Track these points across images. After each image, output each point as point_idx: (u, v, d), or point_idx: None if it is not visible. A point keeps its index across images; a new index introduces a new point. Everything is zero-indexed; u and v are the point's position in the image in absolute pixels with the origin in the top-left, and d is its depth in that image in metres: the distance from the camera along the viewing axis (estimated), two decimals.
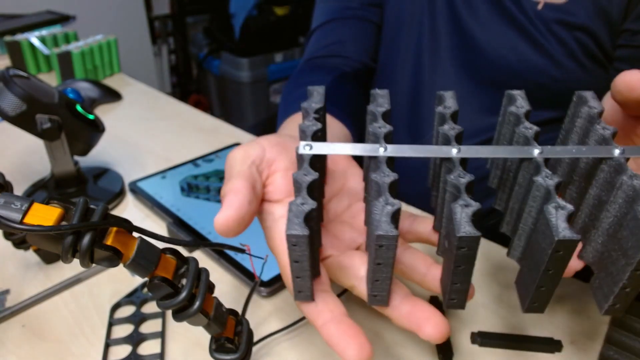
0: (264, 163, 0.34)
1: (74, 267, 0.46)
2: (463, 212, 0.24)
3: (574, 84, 0.56)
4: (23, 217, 0.24)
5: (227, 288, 0.45)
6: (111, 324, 0.41)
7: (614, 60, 0.55)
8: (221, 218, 0.29)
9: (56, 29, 1.09)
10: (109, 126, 0.68)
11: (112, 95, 0.88)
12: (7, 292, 0.44)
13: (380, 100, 0.32)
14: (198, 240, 0.49)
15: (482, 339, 0.38)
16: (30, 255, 0.48)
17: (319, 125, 0.30)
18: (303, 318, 0.40)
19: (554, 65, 0.56)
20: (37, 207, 0.25)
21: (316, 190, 0.28)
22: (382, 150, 0.28)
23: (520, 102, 0.31)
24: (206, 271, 0.30)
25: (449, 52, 0.64)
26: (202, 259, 0.49)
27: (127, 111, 0.86)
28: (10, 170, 0.65)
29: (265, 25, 2.22)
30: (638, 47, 0.53)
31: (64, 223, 0.25)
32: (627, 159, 0.27)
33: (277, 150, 0.35)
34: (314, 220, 0.27)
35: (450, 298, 0.28)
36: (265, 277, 0.44)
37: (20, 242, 0.43)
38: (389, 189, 0.26)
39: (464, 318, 0.41)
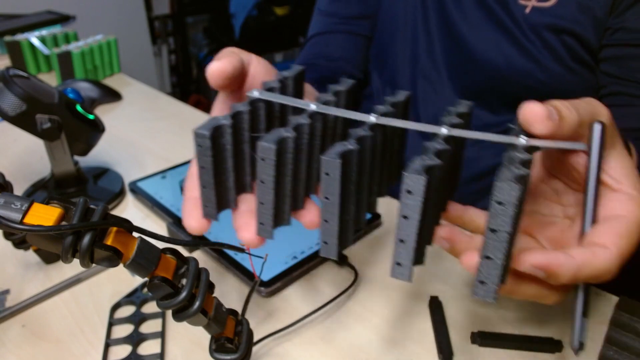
0: (251, 66, 0.36)
1: (74, 267, 0.46)
2: (340, 145, 0.26)
3: (561, 87, 0.56)
4: (23, 217, 0.24)
5: (227, 288, 0.45)
6: (111, 324, 0.41)
7: (599, 62, 0.55)
8: (217, 64, 0.31)
9: (56, 29, 1.09)
10: (109, 126, 0.67)
11: (112, 95, 0.88)
12: (7, 292, 0.44)
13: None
14: (198, 240, 0.49)
15: (482, 339, 0.38)
16: (30, 255, 0.48)
17: (278, 84, 0.32)
18: (303, 318, 0.40)
19: (539, 69, 0.56)
20: (37, 207, 0.25)
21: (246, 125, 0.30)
22: (313, 106, 0.30)
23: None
24: (206, 271, 0.30)
25: (443, 55, 0.65)
26: (202, 259, 0.49)
27: (127, 111, 0.86)
28: (10, 170, 0.65)
29: (265, 25, 2.22)
30: (618, 45, 0.53)
31: (64, 223, 0.25)
32: (533, 148, 0.26)
33: (264, 68, 0.36)
34: (227, 138, 0.29)
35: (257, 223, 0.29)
36: (265, 277, 0.44)
37: (20, 242, 0.43)
38: (295, 123, 0.28)
39: (464, 318, 0.41)
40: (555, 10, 0.54)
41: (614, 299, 0.42)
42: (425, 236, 0.28)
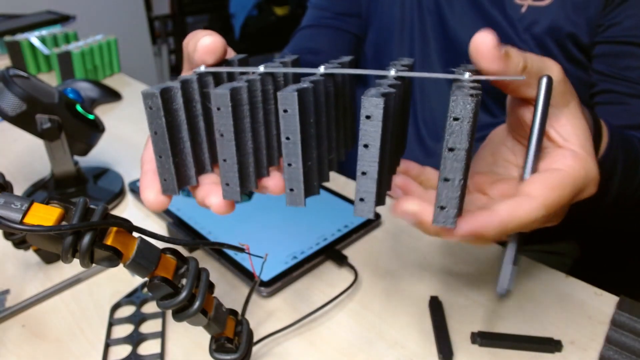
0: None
1: (74, 267, 0.46)
2: (295, 85, 0.26)
3: None
4: (23, 217, 0.24)
5: (227, 288, 0.45)
6: (111, 324, 0.41)
7: (591, 60, 0.55)
8: (215, 38, 0.30)
9: (56, 29, 1.09)
10: (109, 126, 0.67)
11: (112, 95, 0.88)
12: (7, 292, 0.44)
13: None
14: (198, 240, 0.50)
15: (482, 339, 0.38)
16: (30, 255, 0.48)
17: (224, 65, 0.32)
18: (303, 318, 0.40)
19: None
20: (37, 207, 0.25)
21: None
22: (261, 68, 0.30)
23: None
24: (206, 271, 0.30)
25: (438, 56, 0.65)
26: (202, 259, 0.49)
27: (127, 111, 0.86)
28: (10, 170, 0.65)
29: (265, 25, 2.22)
30: (610, 42, 0.52)
31: (64, 223, 0.25)
32: (475, 81, 0.26)
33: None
34: (179, 103, 0.28)
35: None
36: (265, 277, 0.44)
37: (20, 242, 0.43)
38: (245, 78, 0.28)
39: (464, 318, 0.41)
40: (551, 10, 0.54)
41: (614, 299, 0.43)
42: (384, 175, 0.27)
